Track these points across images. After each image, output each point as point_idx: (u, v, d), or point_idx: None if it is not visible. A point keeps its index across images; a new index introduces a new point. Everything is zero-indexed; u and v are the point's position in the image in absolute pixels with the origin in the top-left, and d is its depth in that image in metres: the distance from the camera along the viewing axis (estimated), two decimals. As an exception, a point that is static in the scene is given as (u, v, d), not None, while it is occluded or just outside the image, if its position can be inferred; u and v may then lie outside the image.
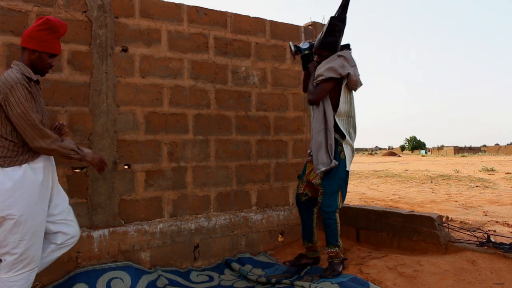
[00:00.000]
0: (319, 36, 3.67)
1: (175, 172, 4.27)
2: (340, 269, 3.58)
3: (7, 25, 3.50)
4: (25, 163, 2.68)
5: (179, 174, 4.29)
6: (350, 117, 3.69)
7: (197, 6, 4.43)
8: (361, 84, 3.73)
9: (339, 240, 3.72)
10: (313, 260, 4.01)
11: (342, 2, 3.56)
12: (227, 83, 4.60)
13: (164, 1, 4.24)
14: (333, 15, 3.53)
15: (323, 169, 3.57)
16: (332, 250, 3.67)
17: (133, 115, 4.04)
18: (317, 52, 3.68)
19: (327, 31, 3.54)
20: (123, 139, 3.95)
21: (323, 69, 3.55)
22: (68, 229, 2.98)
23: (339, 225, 3.74)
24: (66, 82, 3.73)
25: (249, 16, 4.79)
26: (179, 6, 4.32)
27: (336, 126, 3.60)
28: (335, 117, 3.59)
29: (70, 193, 3.51)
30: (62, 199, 3.02)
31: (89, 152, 2.91)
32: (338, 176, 3.64)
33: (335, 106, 3.59)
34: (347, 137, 3.65)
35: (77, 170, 3.77)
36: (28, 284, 2.75)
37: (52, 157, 2.95)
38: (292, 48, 3.86)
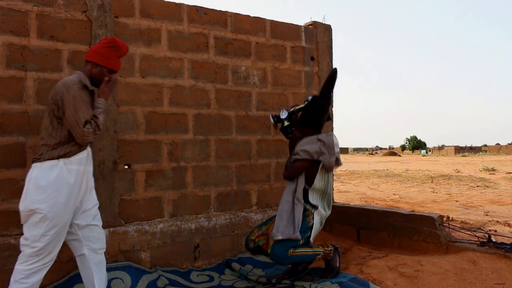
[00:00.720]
0: (302, 106, 3.65)
1: (175, 172, 4.26)
2: (337, 263, 3.53)
3: (7, 25, 3.49)
4: (61, 158, 2.82)
5: (179, 174, 4.28)
6: (326, 193, 3.57)
7: (197, 6, 4.42)
8: (340, 165, 3.60)
9: (315, 249, 3.48)
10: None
11: (328, 81, 3.57)
12: (227, 82, 4.59)
13: (164, 1, 4.23)
14: (317, 94, 3.54)
15: (279, 237, 3.34)
16: (318, 258, 3.48)
17: (133, 115, 4.04)
18: (299, 128, 3.61)
19: (309, 110, 3.54)
20: (123, 139, 3.94)
21: (299, 149, 3.46)
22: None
23: (304, 249, 3.43)
24: (66, 82, 3.72)
25: (249, 15, 4.78)
26: (179, 5, 4.31)
27: (307, 198, 3.49)
28: (309, 191, 3.48)
29: (70, 193, 3.49)
30: (92, 203, 3.08)
31: (104, 99, 3.01)
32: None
33: (310, 182, 3.48)
34: (320, 207, 3.51)
35: (77, 170, 3.76)
36: (38, 279, 2.80)
37: (90, 161, 3.05)
38: (272, 119, 3.75)
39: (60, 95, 2.78)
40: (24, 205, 2.81)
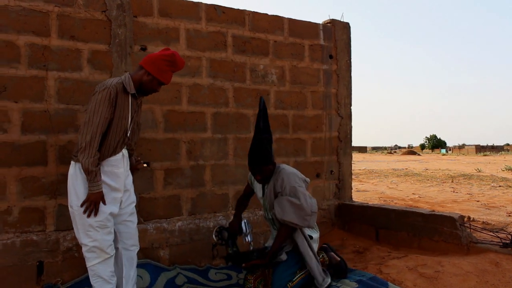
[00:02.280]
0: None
1: (194, 170, 4.28)
2: (337, 259, 3.49)
3: (29, 25, 3.55)
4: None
5: (197, 172, 4.30)
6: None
7: (215, 5, 4.43)
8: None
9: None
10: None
11: (261, 112, 3.25)
12: (245, 81, 4.59)
13: (182, 0, 4.25)
14: (257, 129, 3.25)
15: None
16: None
17: (152, 114, 4.06)
18: (258, 170, 3.21)
19: (258, 147, 3.21)
20: (142, 137, 3.97)
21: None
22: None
23: (300, 273, 3.23)
24: (86, 81, 3.77)
25: (267, 14, 4.77)
26: (197, 4, 4.32)
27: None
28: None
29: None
30: (129, 201, 3.17)
31: (96, 192, 2.83)
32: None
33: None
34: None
35: (97, 168, 3.80)
36: (107, 273, 2.93)
37: (126, 162, 3.12)
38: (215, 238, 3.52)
39: (93, 93, 2.85)
40: (68, 202, 2.96)
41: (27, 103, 3.53)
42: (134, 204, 3.22)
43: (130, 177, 3.21)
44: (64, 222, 3.62)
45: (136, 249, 3.19)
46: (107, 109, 2.79)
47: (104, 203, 2.87)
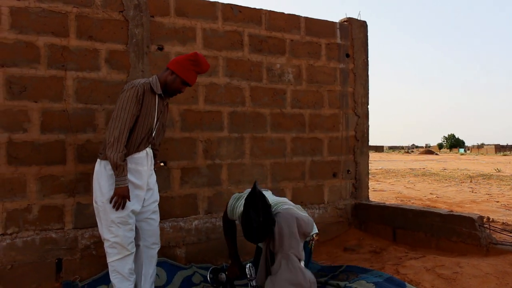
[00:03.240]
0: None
1: (210, 169, 4.29)
2: None
3: (48, 26, 3.59)
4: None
5: (214, 171, 4.31)
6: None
7: (231, 4, 4.43)
8: None
9: None
10: None
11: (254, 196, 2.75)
12: (262, 80, 4.59)
13: (199, 0, 4.26)
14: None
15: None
16: None
17: (169, 113, 4.07)
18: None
19: (260, 230, 2.73)
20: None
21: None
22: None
23: None
24: (104, 81, 3.80)
25: (283, 13, 4.76)
26: (214, 4, 4.33)
27: None
28: None
29: (108, 189, 3.57)
30: (152, 199, 3.22)
31: (123, 186, 2.88)
32: None
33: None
34: None
35: (114, 167, 3.84)
36: (126, 270, 2.98)
37: (151, 161, 3.19)
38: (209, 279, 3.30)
39: (122, 91, 2.96)
40: (92, 198, 3.06)
41: (46, 103, 3.58)
42: (157, 202, 3.27)
43: (154, 176, 3.26)
44: (82, 220, 3.67)
45: (157, 247, 3.23)
46: (134, 106, 2.89)
47: (129, 199, 2.92)
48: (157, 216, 3.25)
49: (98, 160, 3.01)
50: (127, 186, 2.90)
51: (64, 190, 3.63)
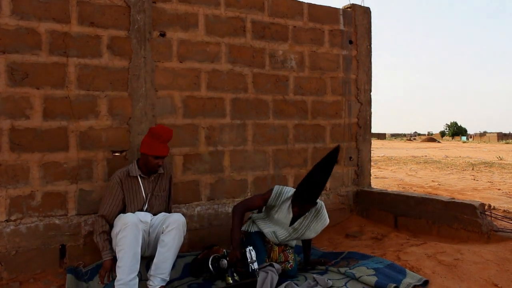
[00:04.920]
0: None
1: (213, 156, 4.30)
2: None
3: (50, 12, 3.57)
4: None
5: (216, 158, 4.32)
6: None
7: (234, -10, 4.40)
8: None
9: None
10: None
11: (328, 157, 3.27)
12: (264, 67, 4.57)
13: (201, -15, 4.23)
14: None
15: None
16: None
17: (171, 100, 4.08)
18: (308, 207, 3.38)
19: (321, 186, 3.27)
20: (162, 123, 3.99)
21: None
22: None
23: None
24: (106, 67, 3.79)
25: (286, -1, 4.72)
26: (217, -11, 4.30)
27: None
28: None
29: (109, 176, 3.61)
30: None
31: (106, 259, 3.22)
32: None
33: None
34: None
35: (116, 154, 3.85)
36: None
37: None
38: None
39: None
40: None
41: (48, 90, 3.58)
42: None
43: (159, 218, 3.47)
44: (85, 206, 3.69)
45: (171, 232, 3.27)
46: (115, 192, 3.36)
47: (114, 271, 3.13)
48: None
49: None
50: (110, 260, 3.19)
51: (67, 177, 3.64)
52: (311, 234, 3.54)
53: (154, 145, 3.35)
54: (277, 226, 3.53)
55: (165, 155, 3.44)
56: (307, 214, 3.48)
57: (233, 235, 3.37)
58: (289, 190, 3.48)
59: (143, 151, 3.38)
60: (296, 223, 3.49)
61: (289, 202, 3.44)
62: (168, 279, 3.22)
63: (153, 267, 3.18)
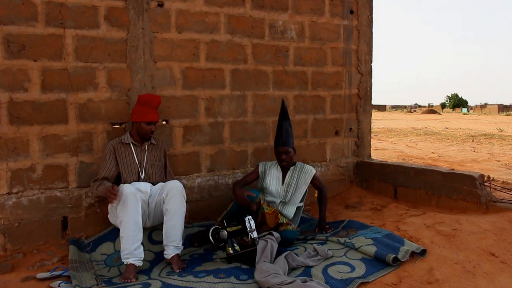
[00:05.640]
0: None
1: (213, 127, 4.29)
2: None
3: (45, -20, 3.51)
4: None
5: (216, 129, 4.31)
6: None
7: (233, -42, 4.30)
8: None
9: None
10: None
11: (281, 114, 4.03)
12: (264, 37, 4.51)
13: (199, -47, 4.13)
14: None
15: None
16: None
17: (170, 71, 4.04)
18: (285, 150, 3.89)
19: (286, 131, 3.95)
20: (161, 94, 3.97)
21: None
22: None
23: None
24: (104, 39, 3.75)
25: (286, -33, 4.62)
26: (215, -42, 4.21)
27: None
28: None
29: (111, 148, 3.59)
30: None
31: (104, 188, 3.33)
32: None
33: None
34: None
35: (116, 126, 3.84)
36: None
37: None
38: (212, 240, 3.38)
39: None
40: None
41: (45, 62, 3.54)
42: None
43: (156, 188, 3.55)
44: (86, 179, 3.70)
45: (173, 201, 3.33)
46: (108, 158, 3.48)
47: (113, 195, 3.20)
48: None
49: None
50: (108, 187, 3.24)
51: (67, 150, 3.65)
52: (302, 185, 3.92)
53: (145, 111, 3.51)
54: (276, 187, 3.91)
55: (156, 121, 3.59)
56: (292, 169, 3.96)
57: (239, 192, 3.68)
58: (271, 162, 4.07)
59: (135, 120, 3.53)
60: (286, 179, 3.92)
61: (275, 164, 3.99)
62: (181, 246, 3.29)
63: (164, 236, 3.27)
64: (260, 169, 4.00)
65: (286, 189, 3.89)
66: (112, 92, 3.80)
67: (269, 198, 3.83)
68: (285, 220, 3.64)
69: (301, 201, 3.92)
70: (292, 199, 3.87)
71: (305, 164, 4.04)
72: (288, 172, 3.95)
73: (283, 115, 4.00)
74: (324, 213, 3.98)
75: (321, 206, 4.02)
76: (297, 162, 4.04)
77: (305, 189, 3.95)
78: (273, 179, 3.93)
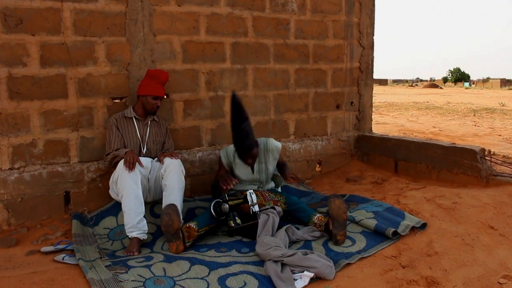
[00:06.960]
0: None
1: (213, 101, 4.27)
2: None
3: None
4: None
5: (217, 103, 4.29)
6: None
7: None
8: None
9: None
10: None
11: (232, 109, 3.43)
12: (264, 10, 4.45)
13: None
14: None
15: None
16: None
17: (170, 44, 4.00)
18: (251, 155, 3.48)
19: (247, 135, 3.38)
20: (161, 68, 3.93)
21: None
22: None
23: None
24: (102, 12, 3.69)
25: None
26: None
27: None
28: None
29: (111, 122, 3.58)
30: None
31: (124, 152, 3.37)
32: None
33: None
34: None
35: (116, 100, 3.83)
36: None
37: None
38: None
39: None
40: None
41: (44, 36, 3.50)
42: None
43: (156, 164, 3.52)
44: (87, 153, 3.71)
45: (172, 175, 3.34)
46: (113, 132, 3.50)
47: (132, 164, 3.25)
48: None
49: None
50: (127, 152, 3.31)
51: (67, 125, 3.64)
52: (273, 162, 3.76)
53: (152, 85, 3.55)
54: (246, 182, 3.72)
55: (162, 96, 3.62)
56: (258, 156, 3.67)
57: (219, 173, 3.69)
58: (231, 146, 3.66)
59: (142, 93, 3.56)
60: (255, 167, 3.69)
61: None
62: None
63: None
64: (224, 161, 3.72)
65: (258, 176, 3.71)
66: (111, 67, 3.77)
67: (244, 187, 3.67)
68: (271, 203, 3.47)
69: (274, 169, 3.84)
70: (267, 177, 3.75)
71: (267, 139, 3.75)
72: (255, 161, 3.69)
73: (239, 115, 3.40)
74: (288, 170, 3.80)
75: (283, 170, 3.80)
76: (258, 141, 3.65)
77: (276, 161, 3.79)
78: (241, 169, 3.69)
